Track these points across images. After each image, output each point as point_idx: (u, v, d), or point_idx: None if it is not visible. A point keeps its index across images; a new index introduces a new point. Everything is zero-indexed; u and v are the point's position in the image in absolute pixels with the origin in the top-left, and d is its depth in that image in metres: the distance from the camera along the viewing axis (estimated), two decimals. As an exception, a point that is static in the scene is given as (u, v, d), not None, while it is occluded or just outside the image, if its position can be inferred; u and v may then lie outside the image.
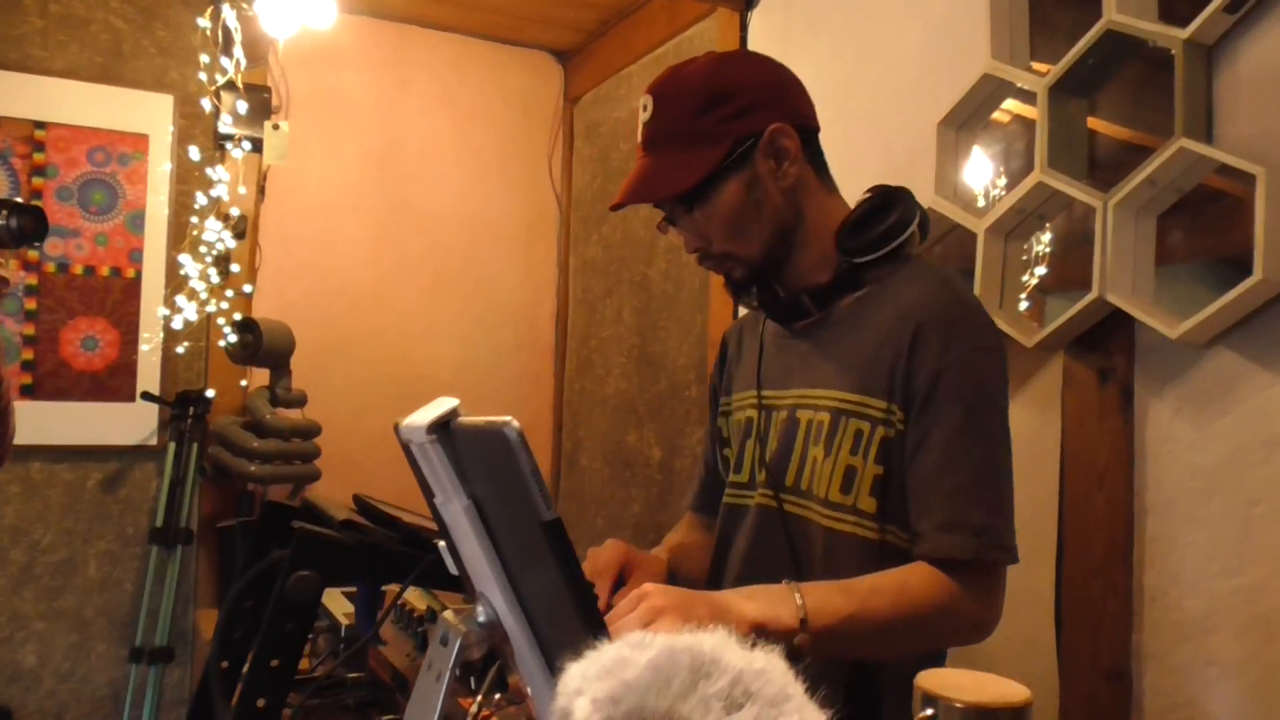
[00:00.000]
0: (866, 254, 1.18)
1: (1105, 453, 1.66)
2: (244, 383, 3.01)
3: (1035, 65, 1.82)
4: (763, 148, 1.17)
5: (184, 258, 2.69)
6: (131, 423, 2.96)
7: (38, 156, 2.85)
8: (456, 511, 0.78)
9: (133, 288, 2.93)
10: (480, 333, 3.47)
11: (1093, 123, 1.76)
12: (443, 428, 0.75)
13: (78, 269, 2.89)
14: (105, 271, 2.92)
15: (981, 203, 1.90)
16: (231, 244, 2.78)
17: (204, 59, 2.62)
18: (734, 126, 1.15)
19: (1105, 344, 1.66)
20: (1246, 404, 1.47)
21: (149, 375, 2.96)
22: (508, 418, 0.68)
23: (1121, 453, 1.63)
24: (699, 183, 1.15)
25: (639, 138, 1.22)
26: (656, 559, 1.31)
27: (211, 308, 2.70)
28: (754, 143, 1.16)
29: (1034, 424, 1.79)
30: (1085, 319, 1.65)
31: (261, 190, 3.10)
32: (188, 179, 2.94)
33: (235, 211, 2.93)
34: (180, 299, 2.68)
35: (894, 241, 1.18)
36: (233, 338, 2.70)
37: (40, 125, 2.85)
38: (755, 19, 2.61)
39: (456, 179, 3.42)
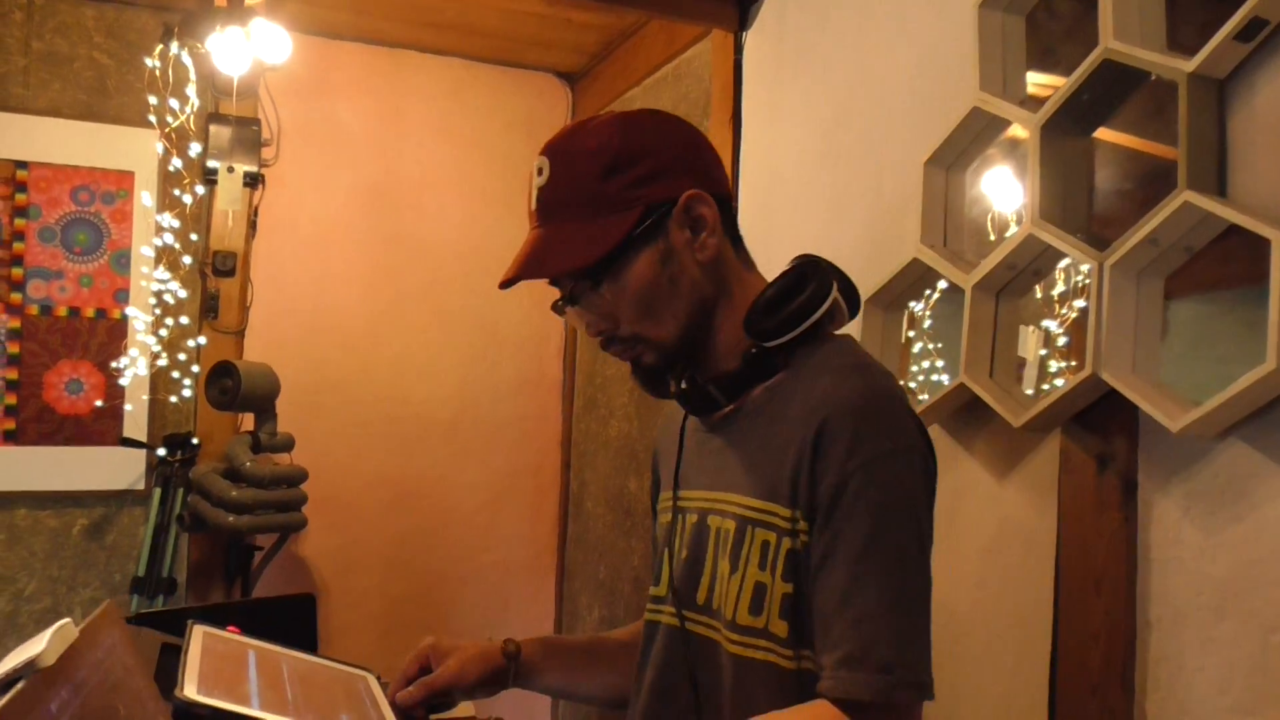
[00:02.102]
0: (776, 337, 1.03)
1: (1104, 552, 1.43)
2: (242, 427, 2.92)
3: (1040, 92, 1.59)
4: (677, 216, 1.03)
5: (131, 310, 2.59)
6: (117, 468, 2.88)
7: (20, 197, 2.78)
8: None
9: (118, 329, 2.85)
10: (482, 369, 3.33)
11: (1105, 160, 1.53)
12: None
13: (61, 311, 2.82)
14: (90, 313, 2.84)
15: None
16: (182, 294, 2.68)
17: (151, 100, 2.52)
18: (645, 192, 1.02)
19: (1104, 426, 1.43)
20: (1264, 509, 1.23)
21: (137, 418, 2.88)
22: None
23: (1121, 553, 1.40)
24: (607, 254, 1.01)
25: (531, 204, 1.06)
26: (470, 649, 1.19)
27: (164, 361, 2.60)
28: (667, 211, 1.03)
29: (1027, 511, 1.56)
30: (1078, 398, 1.42)
31: (252, 226, 3.00)
32: (181, 215, 2.85)
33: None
34: (134, 350, 2.58)
35: (806, 321, 1.02)
36: (187, 381, 2.58)
37: (22, 165, 2.78)
38: (750, 40, 2.42)
39: (456, 209, 3.28)
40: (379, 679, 1.31)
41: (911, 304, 1.84)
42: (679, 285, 1.04)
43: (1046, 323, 1.71)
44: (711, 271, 1.06)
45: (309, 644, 1.86)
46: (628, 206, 1.01)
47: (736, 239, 1.11)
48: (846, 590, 0.94)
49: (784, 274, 1.06)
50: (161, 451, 2.81)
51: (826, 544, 0.96)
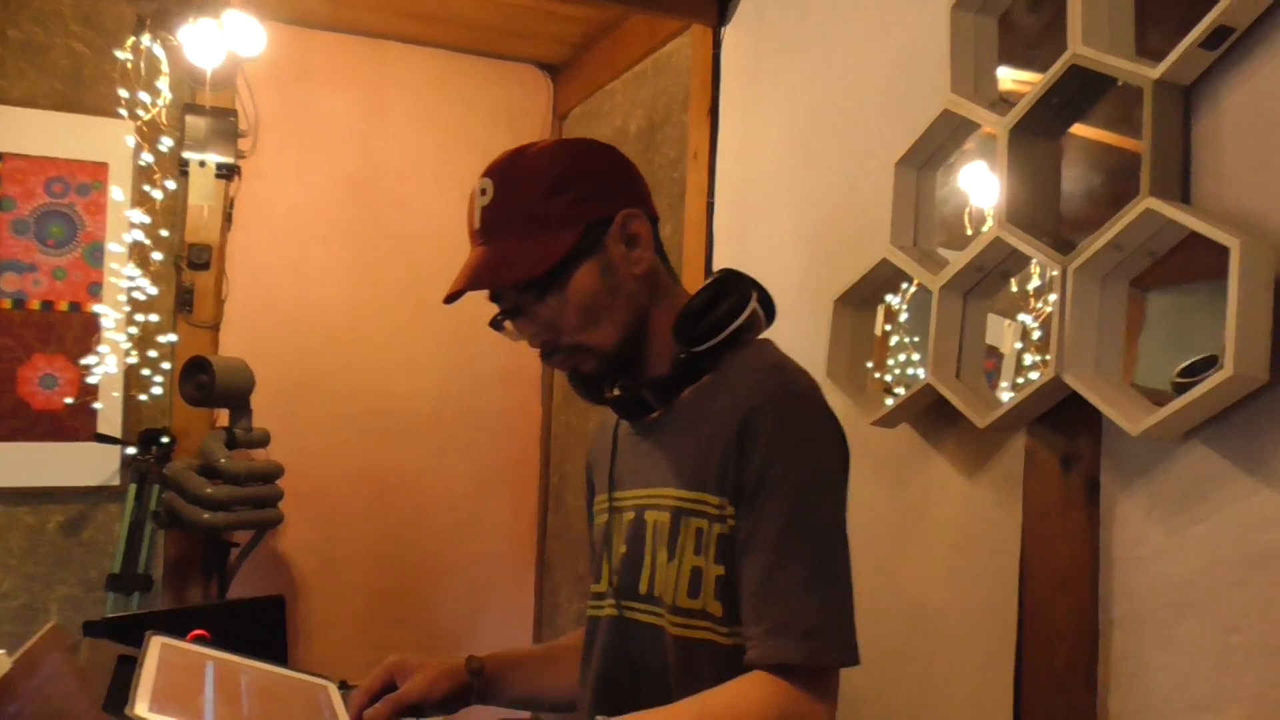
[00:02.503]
0: (703, 342, 1.11)
1: (1068, 551, 1.44)
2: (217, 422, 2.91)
3: (1020, 89, 1.60)
4: (614, 232, 1.12)
5: (100, 307, 2.57)
6: (93, 463, 2.87)
7: (-6, 189, 2.76)
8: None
9: (92, 323, 2.83)
10: (462, 363, 3.32)
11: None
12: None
13: (35, 304, 2.81)
14: (64, 306, 2.83)
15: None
16: (152, 290, 2.66)
17: (123, 93, 2.49)
18: (585, 210, 1.11)
19: (1068, 427, 1.44)
20: (1225, 512, 1.25)
21: (112, 414, 2.86)
22: None
23: (1085, 553, 1.41)
24: (554, 266, 1.09)
25: (473, 223, 1.13)
26: (436, 666, 1.22)
27: (133, 358, 2.59)
28: (605, 227, 1.12)
29: (993, 510, 1.58)
30: (1042, 400, 1.43)
31: (228, 218, 2.99)
32: (151, 210, 2.83)
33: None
34: (103, 347, 2.56)
35: (729, 327, 1.11)
36: (158, 378, 2.57)
37: (-4, 157, 2.76)
38: (728, 35, 2.42)
39: (438, 201, 3.27)
40: (343, 685, 1.32)
41: (889, 298, 1.84)
42: (617, 296, 1.12)
43: (1022, 317, 1.72)
44: (645, 283, 1.15)
45: (279, 645, 1.87)
46: (570, 224, 1.09)
47: (663, 256, 1.20)
48: (771, 565, 1.02)
49: (707, 285, 1.14)
50: (131, 450, 2.79)
51: (752, 524, 1.04)
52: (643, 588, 1.13)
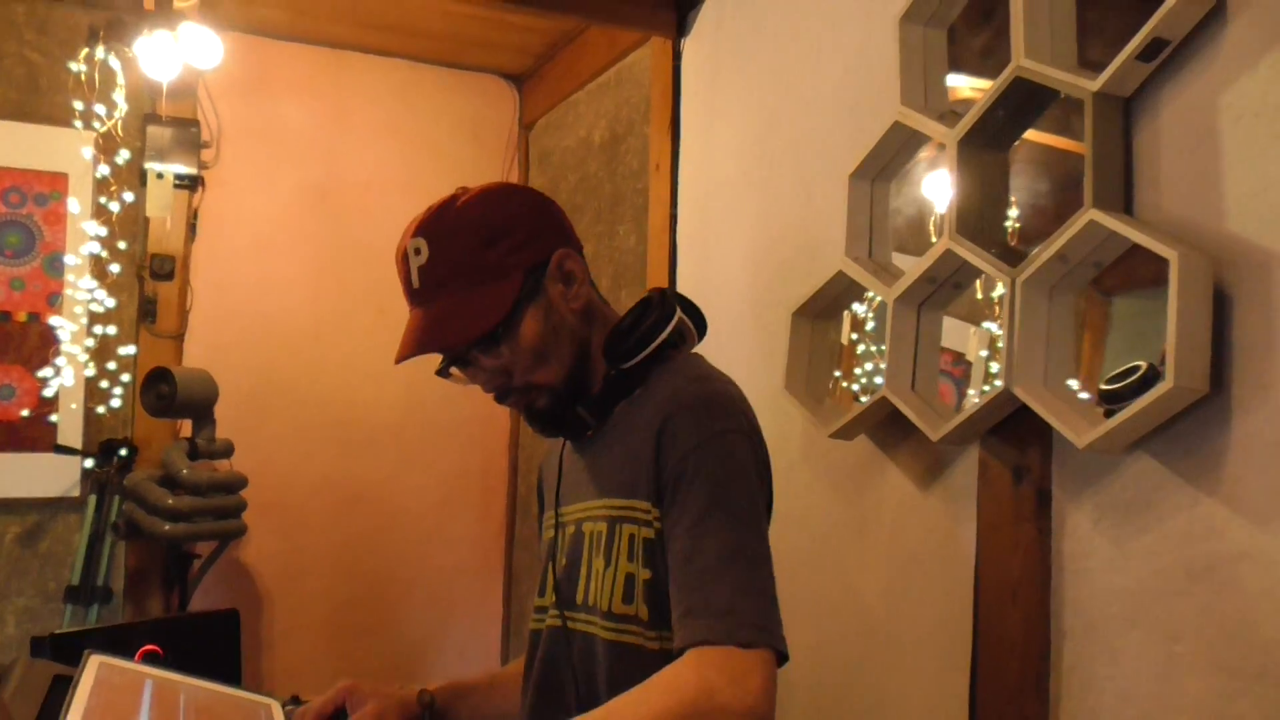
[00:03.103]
0: (629, 359, 1.16)
1: (1020, 562, 1.44)
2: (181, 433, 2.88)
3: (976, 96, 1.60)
4: (551, 273, 1.17)
5: (56, 320, 2.54)
6: (51, 474, 2.82)
7: (-51, 199, 2.72)
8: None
9: (51, 333, 2.80)
10: (428, 372, 3.29)
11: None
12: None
13: (-8, 315, 2.77)
14: (22, 317, 2.79)
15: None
16: (110, 302, 2.63)
17: (78, 105, 2.47)
18: (522, 256, 1.14)
19: (1020, 439, 1.45)
20: (1168, 523, 1.25)
21: (73, 424, 2.83)
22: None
23: (1036, 564, 1.42)
24: (504, 318, 1.12)
25: (411, 283, 1.16)
26: (390, 696, 1.25)
27: (91, 371, 2.56)
28: (543, 270, 1.16)
29: (948, 522, 1.58)
30: (993, 412, 1.44)
31: (192, 229, 2.96)
32: (108, 222, 2.81)
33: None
34: (60, 360, 2.53)
35: (652, 342, 1.16)
36: (117, 390, 2.54)
37: (-49, 167, 2.72)
38: (687, 47, 2.42)
39: (402, 211, 3.18)
40: (294, 701, 1.31)
41: (855, 306, 1.85)
42: (560, 334, 1.17)
43: (987, 324, 1.73)
44: (583, 316, 1.19)
45: (232, 660, 1.85)
46: (509, 272, 1.13)
47: (593, 283, 1.24)
48: (688, 552, 1.04)
49: (633, 307, 1.19)
50: (89, 464, 2.76)
51: (673, 518, 1.07)
52: (579, 597, 1.16)
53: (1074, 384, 1.41)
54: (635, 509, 1.12)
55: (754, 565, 1.03)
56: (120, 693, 1.02)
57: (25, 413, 2.76)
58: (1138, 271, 1.38)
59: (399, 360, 1.14)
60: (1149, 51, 1.25)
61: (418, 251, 1.13)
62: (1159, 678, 1.26)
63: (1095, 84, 1.29)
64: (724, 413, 1.11)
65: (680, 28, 2.41)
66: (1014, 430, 1.46)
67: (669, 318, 1.17)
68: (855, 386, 1.89)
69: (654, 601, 1.09)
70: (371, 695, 1.25)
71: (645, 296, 1.21)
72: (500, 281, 1.12)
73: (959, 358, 1.77)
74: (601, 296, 1.26)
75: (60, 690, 1.01)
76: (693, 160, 2.38)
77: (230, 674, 1.79)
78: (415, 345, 1.12)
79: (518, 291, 1.13)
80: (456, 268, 1.12)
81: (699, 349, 1.26)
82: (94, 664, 1.07)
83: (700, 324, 1.25)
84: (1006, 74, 1.42)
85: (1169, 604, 1.25)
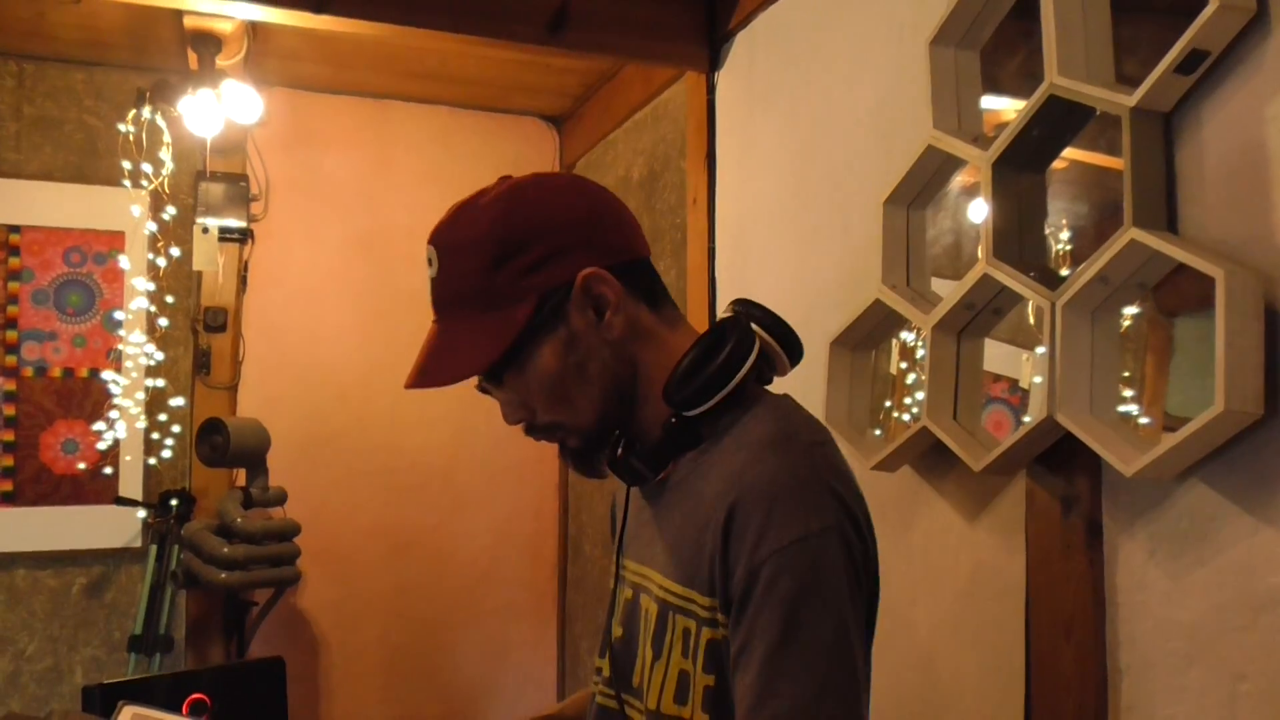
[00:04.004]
0: (694, 405, 0.97)
1: (1072, 596, 1.39)
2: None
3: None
4: (576, 299, 0.97)
5: (108, 374, 2.61)
6: (115, 526, 2.89)
7: (13, 261, 2.82)
8: None
9: (106, 388, 2.87)
10: (477, 416, 3.31)
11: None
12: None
13: (56, 372, 2.85)
14: (84, 373, 2.87)
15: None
16: (159, 356, 2.69)
17: (126, 165, 2.54)
18: (536, 280, 0.96)
19: (1067, 467, 1.40)
20: (1227, 554, 1.19)
21: (133, 476, 2.90)
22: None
23: (1089, 598, 1.36)
24: (503, 353, 0.96)
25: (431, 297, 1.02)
26: None
27: (142, 423, 2.61)
28: (565, 294, 0.97)
29: (997, 554, 1.53)
30: (1037, 441, 1.39)
31: (243, 281, 3.03)
32: (161, 279, 2.88)
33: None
34: (114, 413, 2.59)
35: (724, 388, 0.96)
36: (168, 441, 2.59)
37: (14, 229, 2.83)
38: (721, 81, 2.42)
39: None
40: None
41: (904, 334, 1.81)
42: (587, 371, 0.98)
43: (1041, 349, 1.68)
44: (622, 349, 1.00)
45: (278, 708, 1.86)
46: (520, 297, 0.95)
47: (656, 298, 1.04)
48: (761, 693, 0.87)
49: (705, 334, 1.00)
50: (141, 514, 2.82)
51: (742, 640, 0.89)
52: (635, 680, 1.02)
53: (1134, 409, 1.35)
54: (693, 601, 0.94)
55: (838, 710, 0.86)
56: None
57: (82, 465, 2.83)
58: (1198, 290, 1.32)
59: (407, 386, 1.00)
60: (1188, 64, 1.21)
61: (430, 262, 1.00)
62: (1223, 717, 1.19)
63: (1132, 99, 1.25)
64: (811, 504, 0.89)
65: (714, 62, 2.41)
66: (1061, 459, 1.40)
67: (744, 355, 0.96)
68: (906, 417, 1.84)
69: (718, 712, 0.92)
70: None
71: (718, 324, 1.00)
72: (507, 308, 0.95)
73: (1014, 385, 1.71)
74: (671, 312, 1.05)
75: (93, 744, 1.01)
76: (729, 193, 2.37)
77: (277, 721, 1.80)
78: (414, 376, 0.99)
79: (526, 322, 0.95)
80: (461, 287, 0.97)
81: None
82: (127, 715, 1.07)
83: (792, 347, 1.03)
84: (1040, 92, 1.38)
85: (1231, 640, 1.18)
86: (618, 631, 1.05)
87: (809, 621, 0.87)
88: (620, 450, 1.03)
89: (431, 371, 0.98)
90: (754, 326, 1.00)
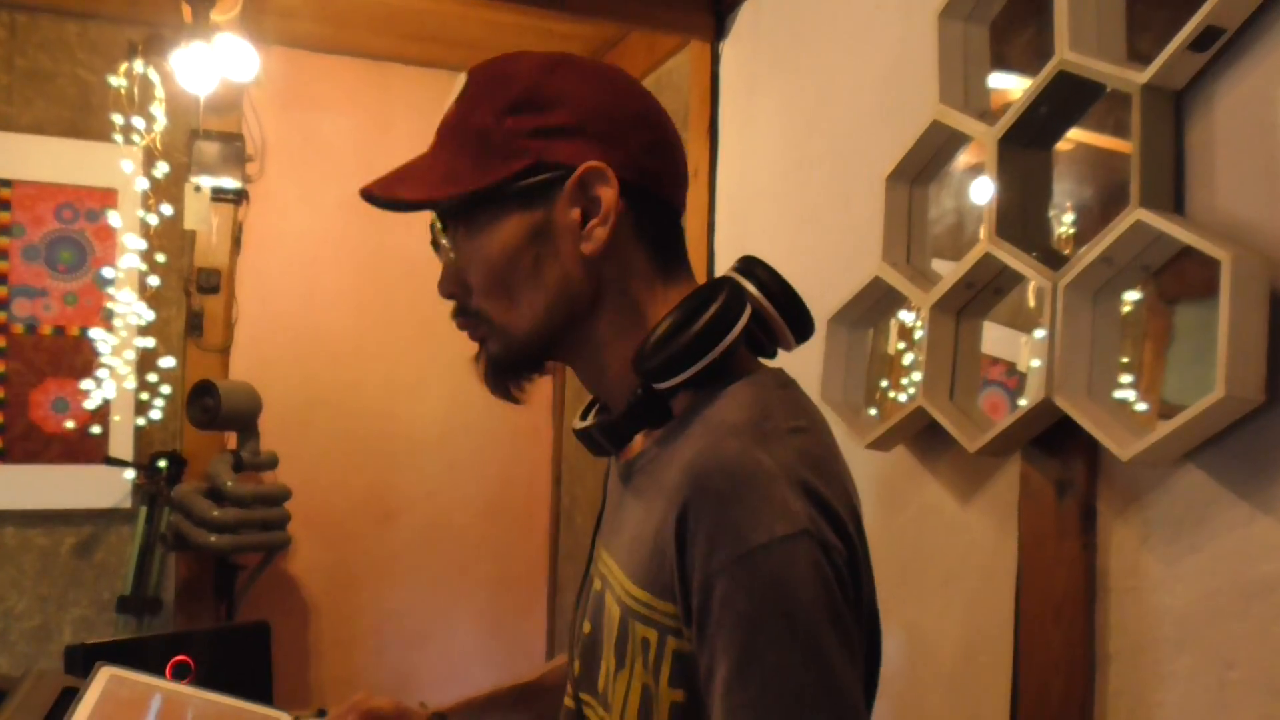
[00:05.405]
0: (662, 378, 0.83)
1: (1063, 581, 1.37)
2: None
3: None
4: (570, 190, 0.84)
5: (95, 332, 2.58)
6: (104, 486, 2.87)
7: (3, 215, 2.79)
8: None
9: (93, 346, 2.85)
10: (471, 385, 3.24)
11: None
12: None
13: (46, 329, 2.82)
14: (75, 331, 2.84)
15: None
16: (149, 315, 2.67)
17: (117, 119, 2.51)
18: (540, 144, 0.84)
19: (1063, 451, 1.38)
20: (1221, 540, 1.18)
21: (124, 437, 2.88)
22: None
23: (1080, 583, 1.35)
24: (461, 195, 0.85)
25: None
26: (409, 713, 1.14)
27: (131, 383, 2.59)
28: (561, 178, 0.84)
29: (988, 537, 1.52)
30: (1033, 423, 1.37)
31: (237, 242, 2.99)
32: (152, 237, 2.85)
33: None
34: (102, 372, 2.57)
35: (697, 363, 0.82)
36: (157, 402, 2.57)
37: (6, 183, 2.79)
38: (726, 50, 2.38)
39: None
40: (321, 714, 1.29)
41: (902, 315, 1.79)
42: (542, 272, 0.86)
43: (1039, 332, 1.66)
44: (592, 271, 0.86)
45: (263, 672, 1.86)
46: (517, 154, 0.84)
47: (668, 250, 0.91)
48: None
49: (690, 295, 0.86)
50: (130, 474, 2.80)
51: (705, 663, 0.76)
52: (600, 684, 0.89)
53: (1130, 395, 1.33)
54: (653, 608, 0.81)
55: None
56: (125, 707, 1.01)
57: (70, 424, 2.81)
58: (1200, 277, 1.30)
59: (361, 192, 0.90)
60: (1202, 41, 1.18)
61: (457, 89, 0.90)
62: (1212, 704, 1.18)
63: (1143, 76, 1.22)
64: (776, 503, 0.74)
65: (719, 31, 2.37)
66: (1058, 442, 1.39)
67: (727, 325, 0.82)
68: (903, 398, 1.82)
69: None
70: (391, 716, 1.15)
71: (709, 284, 0.86)
72: (502, 158, 0.84)
73: (1011, 368, 1.70)
74: (678, 269, 0.92)
75: (68, 702, 1.00)
76: (731, 165, 2.34)
77: (262, 686, 1.79)
78: (373, 185, 0.89)
79: (504, 178, 0.83)
80: (465, 121, 0.87)
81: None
82: (103, 676, 1.06)
83: (798, 319, 0.89)
84: (1050, 67, 1.35)
85: (1223, 627, 1.17)
86: (586, 628, 0.92)
87: (770, 648, 0.72)
88: (590, 415, 0.95)
89: (391, 184, 0.88)
90: (752, 290, 0.87)
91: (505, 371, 0.92)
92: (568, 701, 0.96)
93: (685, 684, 0.78)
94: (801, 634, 0.72)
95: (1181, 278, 1.30)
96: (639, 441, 0.93)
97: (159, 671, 1.50)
